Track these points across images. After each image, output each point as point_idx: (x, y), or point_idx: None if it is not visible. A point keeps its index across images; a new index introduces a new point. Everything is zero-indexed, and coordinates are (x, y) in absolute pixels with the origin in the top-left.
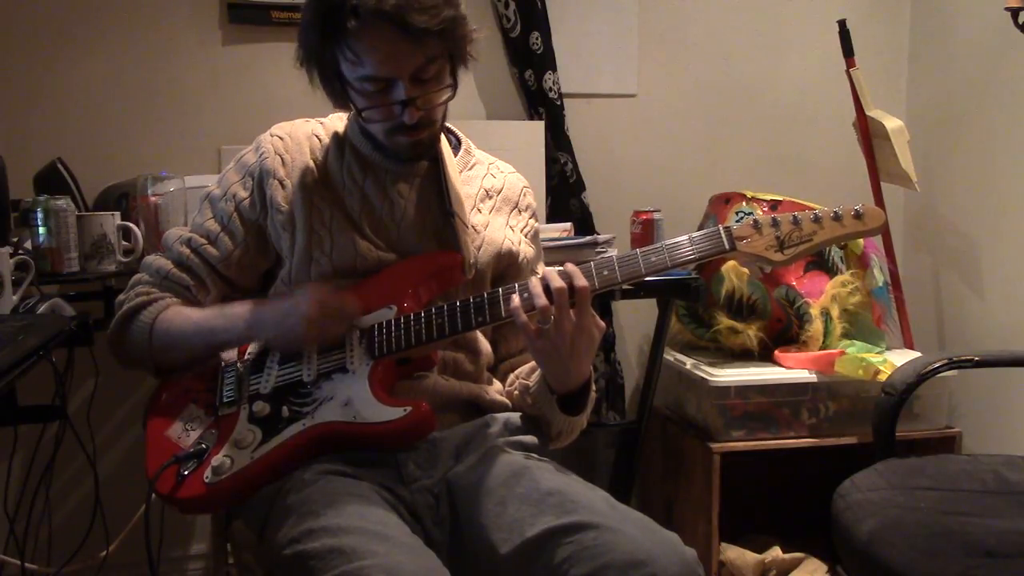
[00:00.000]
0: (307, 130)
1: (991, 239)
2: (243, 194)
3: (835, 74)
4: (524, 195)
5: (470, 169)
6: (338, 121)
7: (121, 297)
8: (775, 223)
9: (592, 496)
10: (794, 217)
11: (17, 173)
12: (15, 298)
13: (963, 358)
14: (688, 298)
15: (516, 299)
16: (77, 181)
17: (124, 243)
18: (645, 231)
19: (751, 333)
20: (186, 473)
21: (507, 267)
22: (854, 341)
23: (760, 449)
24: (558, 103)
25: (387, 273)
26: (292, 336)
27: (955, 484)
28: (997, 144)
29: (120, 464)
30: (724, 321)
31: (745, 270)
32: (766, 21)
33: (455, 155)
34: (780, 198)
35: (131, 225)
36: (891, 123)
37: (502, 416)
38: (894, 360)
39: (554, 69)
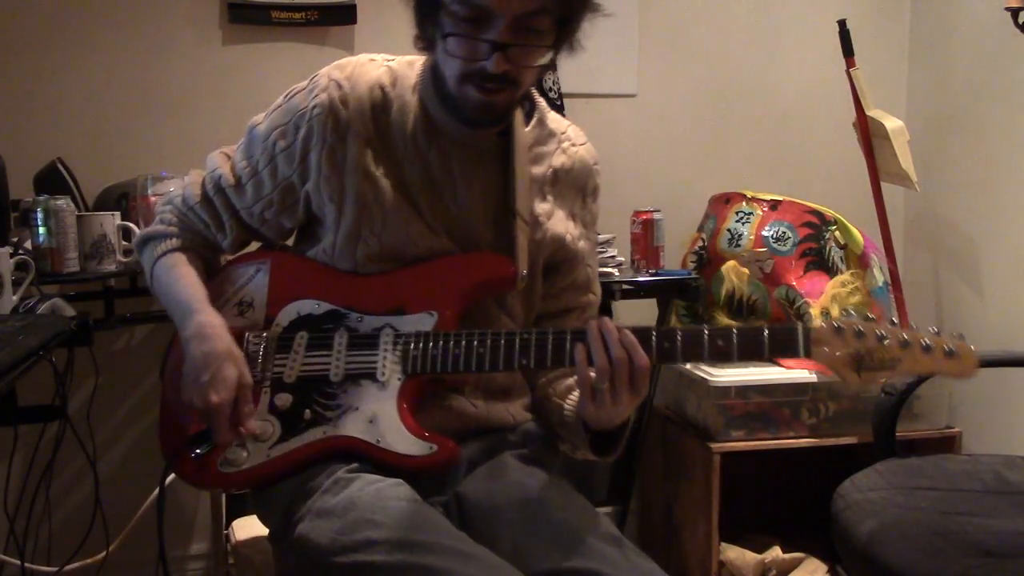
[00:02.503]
0: (372, 77)
1: (991, 239)
2: (283, 144)
3: (835, 74)
4: (593, 176)
5: (542, 144)
6: (408, 68)
7: (156, 218)
8: (859, 334)
9: (602, 536)
10: (880, 334)
11: (17, 173)
12: (15, 298)
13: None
14: (688, 298)
15: (581, 354)
16: (77, 181)
17: (124, 243)
18: (645, 231)
19: None
20: (200, 452)
21: (561, 261)
22: None
23: (760, 449)
24: (558, 103)
25: (434, 268)
26: (190, 381)
27: (955, 484)
28: (997, 144)
29: (120, 464)
30: (724, 321)
31: (745, 270)
32: (766, 21)
33: (527, 124)
34: (780, 198)
35: (131, 225)
36: (891, 123)
37: (520, 426)
38: None
39: (554, 69)
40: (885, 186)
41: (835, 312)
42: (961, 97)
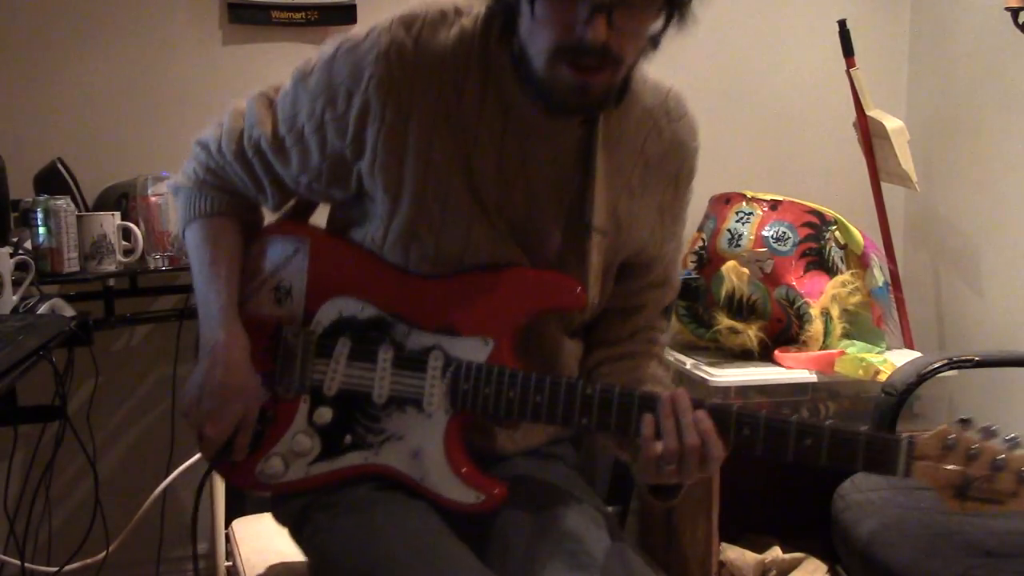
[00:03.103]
0: (446, 40)
1: (991, 239)
2: (332, 113)
3: (835, 74)
4: (688, 157)
5: (633, 130)
6: (485, 34)
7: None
8: (971, 456)
9: (609, 552)
10: (996, 461)
11: (17, 173)
12: (15, 298)
13: (963, 358)
14: (688, 298)
15: (648, 428)
16: (77, 181)
17: (124, 243)
18: None
19: (751, 333)
20: (232, 460)
21: (638, 265)
22: (854, 341)
23: None
24: None
25: (494, 283)
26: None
27: None
28: (997, 144)
29: (120, 464)
30: (724, 321)
31: (745, 270)
32: (766, 21)
33: (616, 106)
34: (780, 198)
35: (131, 225)
36: (891, 123)
37: None
38: (894, 360)
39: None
40: (885, 186)
41: (835, 312)
42: (961, 97)
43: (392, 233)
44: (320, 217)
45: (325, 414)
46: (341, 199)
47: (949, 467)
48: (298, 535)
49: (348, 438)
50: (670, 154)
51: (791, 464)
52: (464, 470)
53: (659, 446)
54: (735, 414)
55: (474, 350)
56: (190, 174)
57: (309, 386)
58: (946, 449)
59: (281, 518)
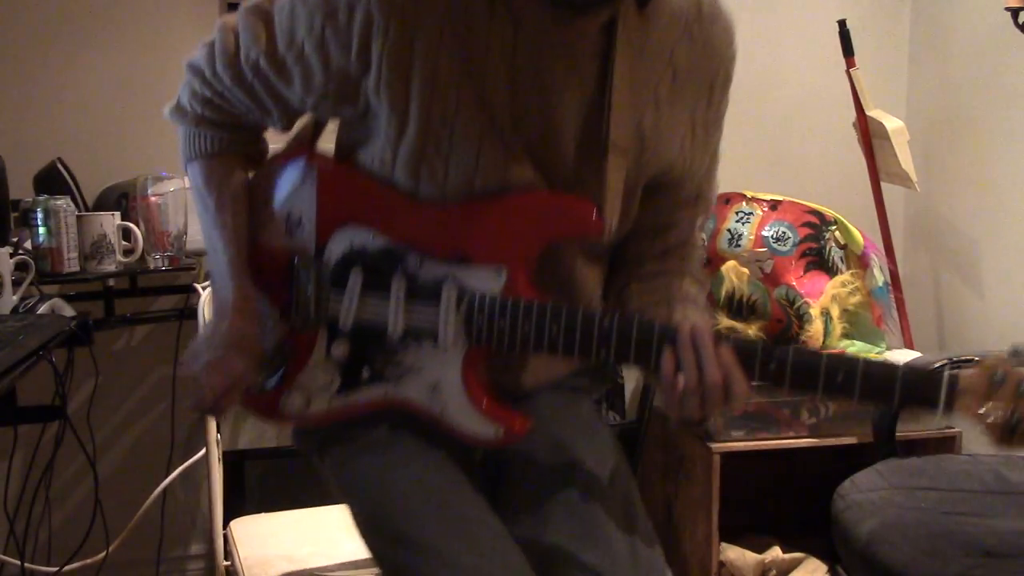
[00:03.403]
0: None
1: (991, 239)
2: (332, 28)
3: (835, 74)
4: (725, 63)
5: (661, 34)
6: None
7: (182, 91)
8: (1022, 391)
9: (618, 523)
10: None
11: (17, 173)
12: (15, 298)
13: (963, 358)
14: None
15: (668, 364)
16: (77, 181)
17: (124, 243)
18: None
19: (751, 333)
20: (263, 389)
21: (665, 183)
22: (854, 341)
23: (760, 449)
24: None
25: (507, 208)
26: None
27: (955, 484)
28: (997, 144)
29: (120, 464)
30: (724, 321)
31: (745, 270)
32: (766, 21)
33: (642, 9)
34: (780, 198)
35: (131, 225)
36: (891, 123)
37: None
38: (894, 360)
39: None
40: (885, 186)
41: (835, 312)
42: (961, 97)
43: (400, 155)
44: (328, 141)
45: (342, 348)
46: (351, 117)
47: (997, 403)
48: (320, 464)
49: (367, 371)
50: (703, 62)
51: (823, 398)
52: (484, 403)
53: (680, 381)
54: (760, 348)
55: (488, 280)
56: (186, 106)
57: (325, 319)
58: (994, 384)
59: (302, 445)
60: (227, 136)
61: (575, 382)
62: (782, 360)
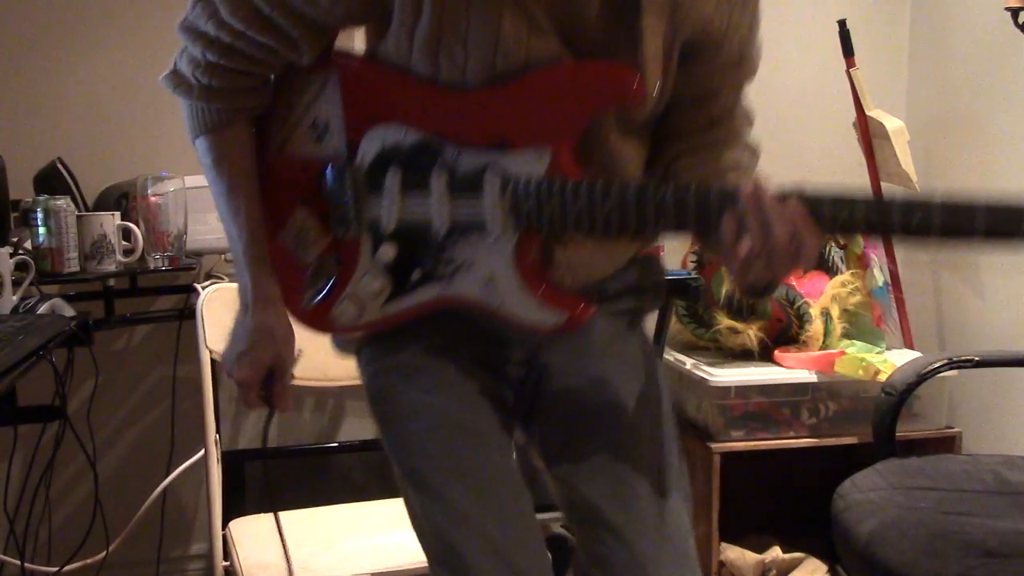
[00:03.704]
0: None
1: None
2: None
3: (835, 74)
4: None
5: None
6: None
7: (179, 59)
8: None
9: (648, 492)
10: None
11: (17, 173)
12: (15, 298)
13: (963, 358)
14: (688, 298)
15: (729, 229)
16: (77, 181)
17: (124, 243)
18: None
19: (751, 333)
20: (312, 304)
21: (702, 44)
22: (854, 341)
23: (760, 449)
24: None
25: (540, 84)
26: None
27: (955, 484)
28: (997, 144)
29: (120, 464)
30: (724, 321)
31: None
32: (766, 21)
33: None
34: None
35: (131, 225)
36: (891, 123)
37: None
38: (894, 360)
39: None
40: (885, 186)
41: (835, 312)
42: (961, 97)
43: (417, 40)
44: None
45: (388, 252)
46: (382, 12)
47: None
48: (357, 364)
49: (417, 273)
50: None
51: (900, 241)
52: (542, 291)
53: (744, 244)
54: (830, 199)
55: (530, 163)
56: (188, 78)
57: (367, 225)
58: None
59: (343, 350)
60: (235, 107)
61: (623, 304)
62: (852, 207)
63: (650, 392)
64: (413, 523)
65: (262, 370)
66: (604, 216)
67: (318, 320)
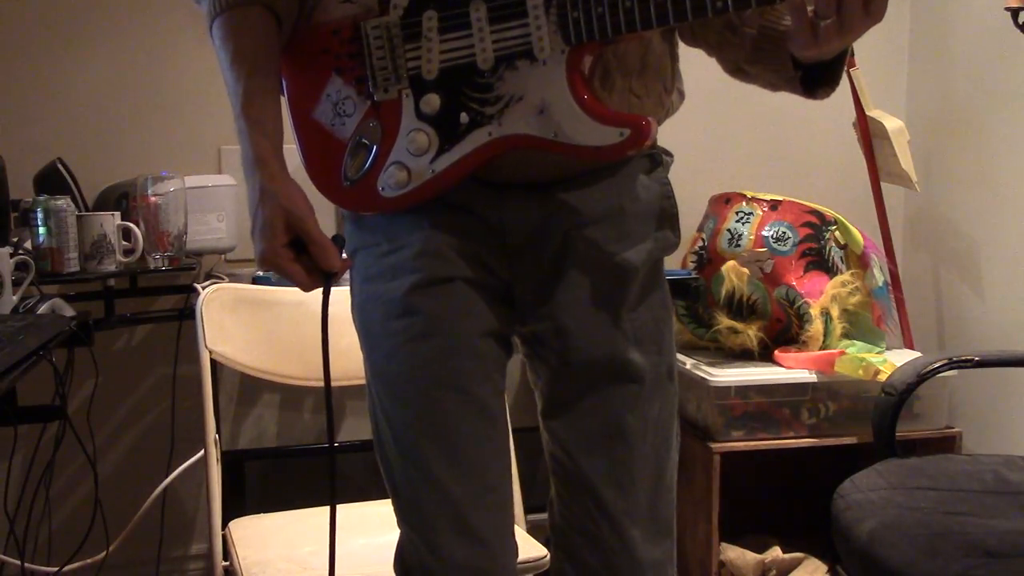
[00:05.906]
0: None
1: (991, 239)
2: None
3: None
4: None
5: None
6: None
7: None
8: None
9: (645, 486)
10: None
11: (17, 173)
12: (15, 298)
13: (963, 358)
14: (688, 298)
15: None
16: (77, 181)
17: (124, 243)
18: None
19: (751, 333)
20: (355, 178)
21: None
22: (854, 341)
23: (760, 449)
24: None
25: None
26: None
27: (955, 484)
28: (997, 144)
29: (120, 464)
30: (724, 321)
31: (745, 270)
32: None
33: None
34: (780, 198)
35: (131, 225)
36: (891, 123)
37: (648, 188)
38: (894, 360)
39: None
40: (885, 186)
41: (835, 312)
42: (961, 97)
43: None
44: None
45: (432, 101)
46: None
47: None
48: (350, 272)
49: (464, 117)
50: None
51: None
52: (598, 109)
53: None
54: None
55: None
56: None
57: (406, 77)
58: None
59: (349, 248)
60: None
61: (633, 206)
62: None
63: (661, 364)
64: (374, 433)
65: (281, 236)
66: (657, 5)
67: (363, 196)
